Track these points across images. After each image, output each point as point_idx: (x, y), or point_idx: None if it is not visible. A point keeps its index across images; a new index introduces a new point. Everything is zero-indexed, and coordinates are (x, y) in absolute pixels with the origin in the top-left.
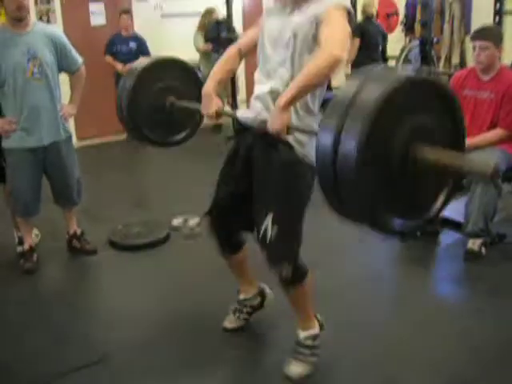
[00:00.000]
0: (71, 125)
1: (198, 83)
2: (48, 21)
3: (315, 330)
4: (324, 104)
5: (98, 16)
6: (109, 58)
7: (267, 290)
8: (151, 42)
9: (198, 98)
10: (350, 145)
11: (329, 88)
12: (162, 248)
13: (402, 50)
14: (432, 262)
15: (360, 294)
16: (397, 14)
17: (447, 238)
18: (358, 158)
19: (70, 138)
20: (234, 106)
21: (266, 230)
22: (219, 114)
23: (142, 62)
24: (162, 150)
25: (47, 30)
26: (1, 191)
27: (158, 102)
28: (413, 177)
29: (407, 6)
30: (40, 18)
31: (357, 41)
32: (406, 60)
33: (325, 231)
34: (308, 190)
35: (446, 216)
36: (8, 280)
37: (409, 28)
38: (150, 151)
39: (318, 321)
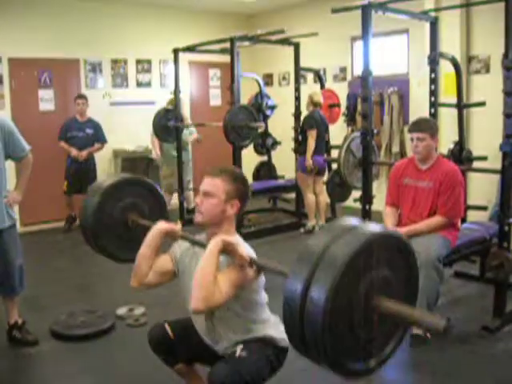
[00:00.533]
0: (15, 210)
1: (162, 201)
2: None
3: None
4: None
5: (46, 102)
6: (63, 144)
7: None
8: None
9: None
10: (319, 293)
11: None
12: (107, 338)
13: (345, 140)
14: None
15: (296, 381)
16: (339, 105)
17: None
18: (326, 306)
19: (14, 224)
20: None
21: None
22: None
23: (107, 178)
24: None
25: None
26: None
27: (121, 218)
28: (371, 325)
29: (348, 97)
30: None
31: (314, 132)
32: (349, 150)
33: None
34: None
35: None
36: None
37: (351, 119)
38: None
39: None
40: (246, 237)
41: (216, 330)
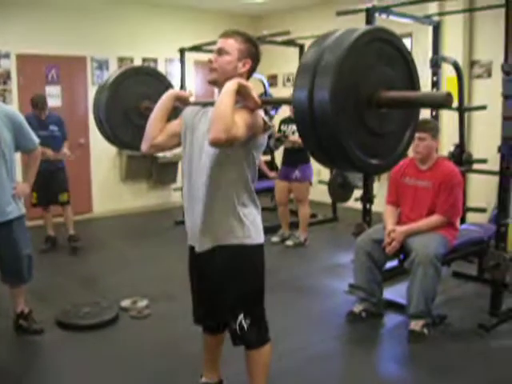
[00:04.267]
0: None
1: (169, 86)
2: (4, 101)
3: None
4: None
5: (53, 98)
6: None
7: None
8: None
9: None
10: (323, 96)
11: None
12: (111, 329)
13: None
14: (376, 343)
15: (303, 373)
16: None
17: (391, 319)
18: (331, 106)
19: (22, 215)
20: None
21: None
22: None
23: (111, 75)
24: (112, 232)
25: (6, 110)
26: None
27: (133, 107)
28: (379, 118)
29: None
30: None
31: None
32: None
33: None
34: (261, 267)
35: (390, 299)
36: None
37: None
38: (100, 232)
39: None
40: None
41: (208, 213)
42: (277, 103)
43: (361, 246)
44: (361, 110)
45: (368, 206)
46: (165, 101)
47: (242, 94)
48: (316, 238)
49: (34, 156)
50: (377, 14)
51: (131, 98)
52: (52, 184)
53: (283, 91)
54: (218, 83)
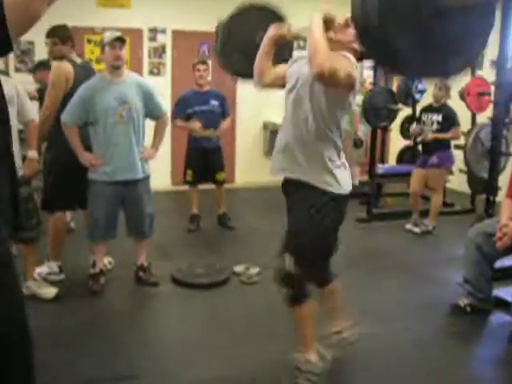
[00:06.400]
0: (169, 171)
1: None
2: (158, 73)
3: (308, 356)
4: None
5: None
6: (181, 122)
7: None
8: None
9: None
10: None
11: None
12: (220, 290)
13: (473, 128)
14: (474, 339)
15: (395, 354)
16: (489, 93)
17: (497, 318)
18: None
19: (147, 177)
20: None
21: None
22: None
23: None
24: (247, 203)
25: (139, 80)
26: (82, 217)
27: (250, 38)
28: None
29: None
30: (151, 71)
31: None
32: (478, 138)
33: (377, 296)
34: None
35: (501, 297)
36: (76, 296)
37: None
38: (237, 203)
39: (319, 352)
40: (377, 217)
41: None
42: None
43: (471, 238)
44: None
45: (492, 197)
46: (266, 46)
47: (327, 21)
48: (447, 228)
49: (162, 122)
50: None
51: (248, 27)
52: (210, 162)
53: None
54: None
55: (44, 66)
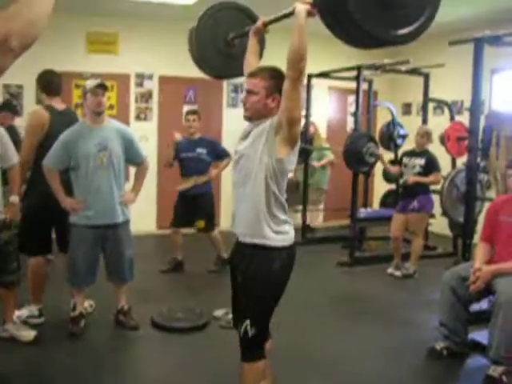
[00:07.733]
0: (154, 215)
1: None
2: (145, 118)
3: None
4: None
5: None
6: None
7: None
8: None
9: None
10: None
11: None
12: (199, 334)
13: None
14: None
15: None
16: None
17: (473, 362)
18: None
19: (128, 221)
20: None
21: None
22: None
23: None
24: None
25: (119, 127)
26: (63, 260)
27: (221, 35)
28: None
29: (484, 131)
30: (137, 116)
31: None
32: (452, 183)
33: (355, 339)
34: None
35: (478, 340)
36: (56, 339)
37: (484, 153)
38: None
39: None
40: (359, 261)
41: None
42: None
43: (446, 281)
44: None
45: (468, 241)
46: (251, 40)
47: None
48: (428, 271)
49: (142, 169)
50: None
51: (221, 28)
52: (193, 208)
53: (417, 120)
54: (252, 119)
55: (4, 108)
